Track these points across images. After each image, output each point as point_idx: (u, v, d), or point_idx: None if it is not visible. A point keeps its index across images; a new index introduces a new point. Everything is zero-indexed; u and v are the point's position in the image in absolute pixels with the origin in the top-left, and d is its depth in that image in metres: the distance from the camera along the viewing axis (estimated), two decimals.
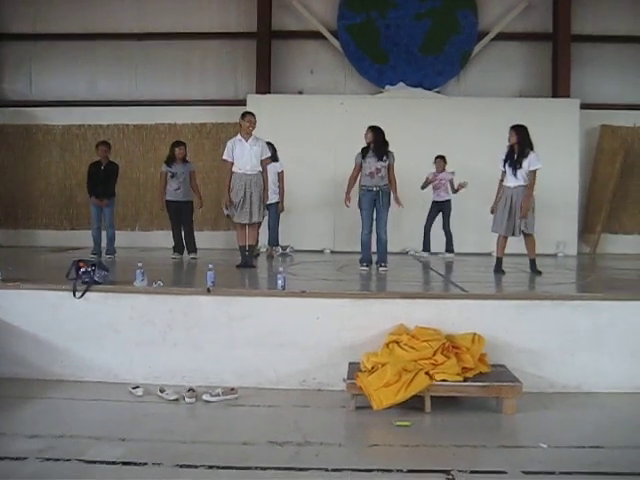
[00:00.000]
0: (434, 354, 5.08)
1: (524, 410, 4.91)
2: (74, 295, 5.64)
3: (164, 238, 10.39)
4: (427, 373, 4.94)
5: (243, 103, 10.98)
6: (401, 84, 11.79)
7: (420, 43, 11.83)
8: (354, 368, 5.17)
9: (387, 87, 11.87)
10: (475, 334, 5.32)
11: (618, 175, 11.48)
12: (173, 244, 9.62)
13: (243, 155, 7.62)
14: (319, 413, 4.97)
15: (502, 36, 11.97)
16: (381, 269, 7.71)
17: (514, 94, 11.98)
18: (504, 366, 5.34)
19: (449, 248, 10.10)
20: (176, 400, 5.14)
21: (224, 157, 7.74)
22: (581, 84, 11.82)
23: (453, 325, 5.46)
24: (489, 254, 10.48)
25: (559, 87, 11.74)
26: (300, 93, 12.16)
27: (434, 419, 4.83)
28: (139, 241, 11.78)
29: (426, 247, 10.22)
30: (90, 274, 5.77)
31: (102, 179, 9.41)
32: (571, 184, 11.39)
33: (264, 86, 11.91)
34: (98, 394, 5.31)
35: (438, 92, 11.91)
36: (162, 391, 5.24)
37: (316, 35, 12.11)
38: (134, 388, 5.33)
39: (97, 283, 5.78)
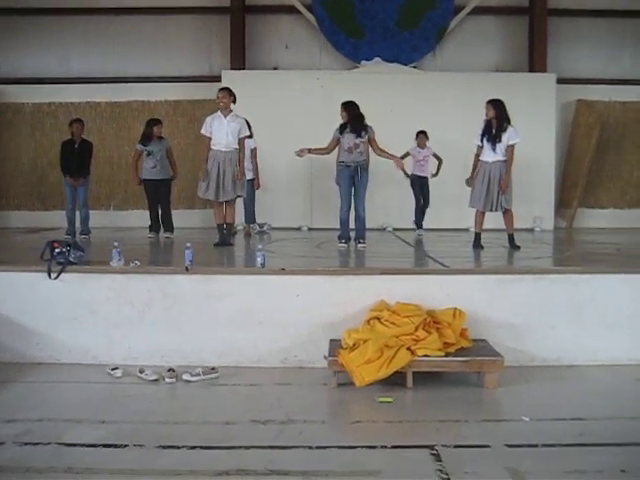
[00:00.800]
0: (415, 330, 5.07)
1: (505, 384, 4.94)
2: (49, 276, 5.54)
3: (140, 217, 10.27)
4: (409, 349, 4.93)
5: (218, 79, 10.79)
6: (377, 59, 11.67)
7: (396, 18, 11.70)
8: (335, 345, 5.15)
9: (363, 62, 11.75)
10: (456, 309, 5.32)
11: (594, 150, 11.51)
12: (149, 223, 9.50)
13: (220, 131, 7.54)
14: (301, 391, 4.95)
15: (478, 10, 11.85)
16: (360, 245, 7.67)
17: (490, 69, 11.93)
18: (485, 341, 5.36)
19: (420, 224, 10.13)
20: (156, 381, 5.09)
21: (202, 131, 7.70)
22: (557, 59, 11.82)
23: (434, 300, 5.47)
24: (467, 229, 10.53)
25: (535, 62, 11.72)
26: (275, 69, 12.01)
27: (416, 395, 4.83)
28: (114, 221, 11.58)
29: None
30: (65, 255, 5.66)
31: (76, 158, 9.21)
32: (547, 159, 11.41)
33: (239, 62, 11.74)
34: (76, 376, 5.25)
35: (414, 67, 11.83)
36: (141, 372, 5.18)
37: (290, 10, 11.91)
38: (113, 369, 5.26)
39: (72, 264, 5.67)
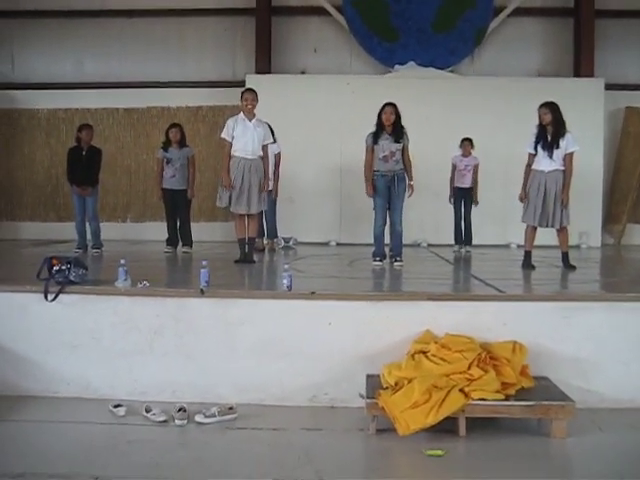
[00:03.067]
0: (469, 367, 4.30)
1: (575, 432, 4.14)
2: (46, 298, 4.87)
3: (158, 230, 9.66)
4: (461, 390, 4.17)
5: (242, 84, 10.10)
6: (411, 63, 10.98)
7: (432, 19, 10.96)
8: (373, 382, 4.43)
9: (396, 67, 11.05)
10: (516, 343, 4.55)
11: None
12: (167, 236, 8.85)
13: (244, 136, 6.85)
14: (333, 438, 4.18)
15: (520, 11, 11.11)
16: (396, 264, 6.93)
17: (532, 73, 11.16)
18: (547, 379, 4.59)
19: (468, 240, 9.27)
20: (164, 422, 4.37)
21: (222, 135, 6.99)
22: (605, 63, 10.97)
23: (488, 331, 4.69)
24: (507, 246, 9.80)
25: (582, 66, 10.93)
26: (303, 73, 11.36)
27: (470, 445, 4.06)
28: (131, 233, 10.99)
29: (459, 240, 9.31)
30: (65, 273, 5.00)
31: (84, 165, 8.61)
32: (595, 171, 10.53)
33: (264, 66, 11.12)
34: (73, 414, 4.55)
35: (451, 72, 11.10)
36: (148, 411, 4.47)
37: (319, 11, 11.25)
38: (115, 407, 4.55)
39: (73, 283, 5.00)
